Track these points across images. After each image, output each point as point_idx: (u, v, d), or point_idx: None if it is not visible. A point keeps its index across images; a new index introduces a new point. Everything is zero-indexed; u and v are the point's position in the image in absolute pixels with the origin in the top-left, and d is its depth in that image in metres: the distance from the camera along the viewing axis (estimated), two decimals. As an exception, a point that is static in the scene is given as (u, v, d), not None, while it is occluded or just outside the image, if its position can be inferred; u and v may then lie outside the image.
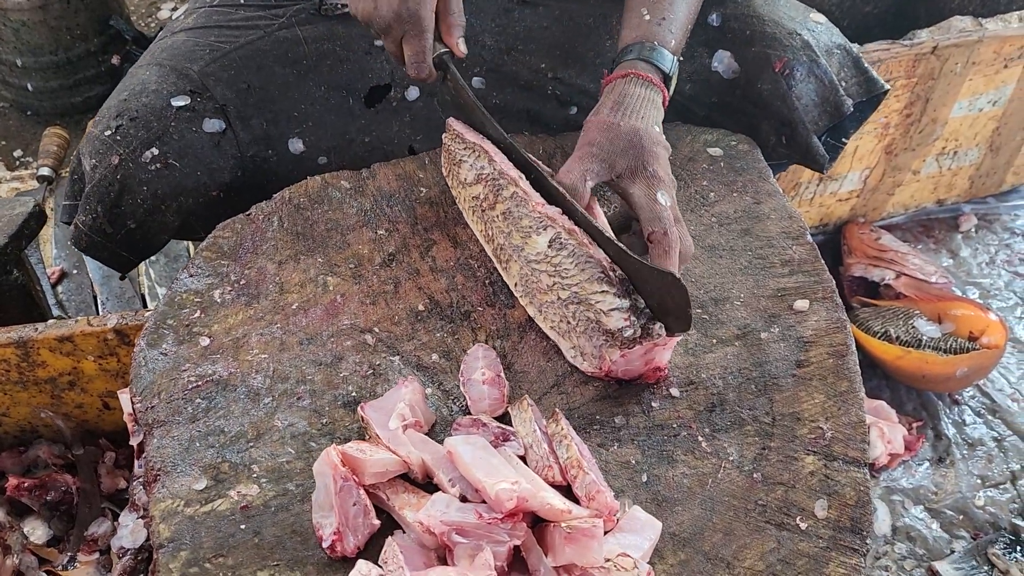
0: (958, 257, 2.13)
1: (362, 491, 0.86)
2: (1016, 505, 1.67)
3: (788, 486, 0.91)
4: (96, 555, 1.30)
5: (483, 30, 1.31)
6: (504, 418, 0.96)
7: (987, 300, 2.02)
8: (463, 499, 0.85)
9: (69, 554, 1.30)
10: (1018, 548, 1.60)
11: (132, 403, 0.99)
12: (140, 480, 1.04)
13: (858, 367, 1.01)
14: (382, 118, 1.32)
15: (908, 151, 1.97)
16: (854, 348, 1.02)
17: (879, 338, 1.80)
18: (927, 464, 1.74)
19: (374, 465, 0.87)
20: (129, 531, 1.09)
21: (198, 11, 1.35)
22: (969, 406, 1.83)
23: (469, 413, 0.97)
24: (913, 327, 1.79)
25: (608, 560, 0.81)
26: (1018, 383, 1.87)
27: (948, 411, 1.82)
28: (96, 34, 2.45)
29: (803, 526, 0.88)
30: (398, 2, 1.04)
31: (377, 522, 0.86)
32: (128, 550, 1.08)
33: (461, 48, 1.10)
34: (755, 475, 0.92)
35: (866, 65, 1.34)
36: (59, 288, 1.98)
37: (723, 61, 1.28)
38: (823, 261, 1.11)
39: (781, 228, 1.15)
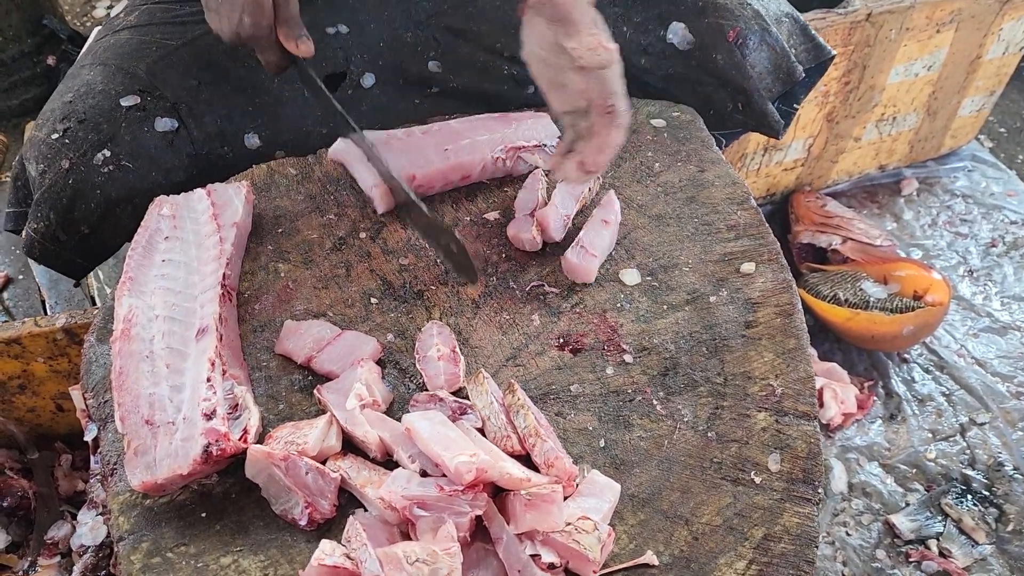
0: (901, 220, 2.18)
1: (306, 459, 0.86)
2: (966, 456, 1.73)
3: (742, 443, 0.93)
4: (57, 558, 1.28)
5: (436, 12, 1.30)
6: (461, 393, 0.97)
7: (930, 260, 2.08)
8: (423, 474, 0.86)
9: (29, 559, 1.28)
10: (969, 497, 1.66)
11: (84, 399, 0.98)
12: (97, 476, 1.02)
13: (805, 325, 1.03)
14: None
15: (849, 118, 2.01)
16: (800, 307, 1.05)
17: (828, 302, 1.84)
18: (879, 422, 1.79)
19: (312, 448, 0.88)
20: (89, 528, 1.08)
21: (140, 8, 1.32)
22: (918, 363, 1.88)
23: (426, 390, 0.97)
24: (860, 289, 1.84)
25: (569, 524, 0.82)
26: (963, 339, 1.92)
27: (898, 369, 1.87)
28: (30, 34, 2.40)
29: (757, 480, 0.91)
30: (236, 22, 1.06)
31: (337, 475, 0.87)
32: (88, 547, 1.06)
33: (302, 50, 1.11)
34: (709, 434, 0.94)
35: (813, 32, 1.37)
36: (4, 294, 1.94)
37: (677, 33, 1.29)
38: (767, 225, 1.13)
39: (725, 194, 1.17)
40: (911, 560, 1.58)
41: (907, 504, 1.66)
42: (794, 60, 1.31)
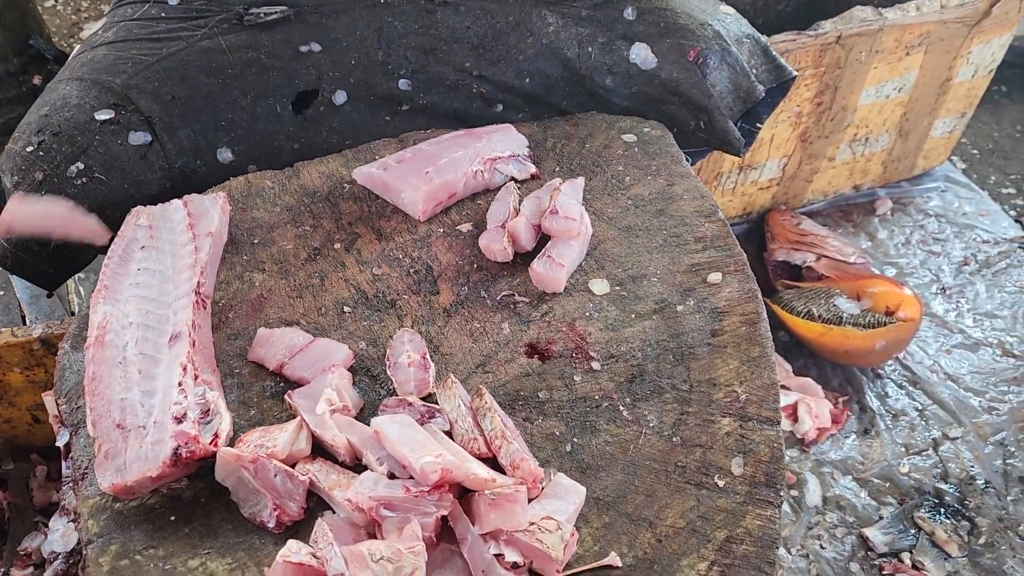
0: (876, 239, 2.22)
1: (275, 461, 0.87)
2: (938, 470, 1.75)
3: (706, 447, 0.95)
4: (30, 569, 1.28)
5: (407, 32, 1.33)
6: (431, 399, 0.98)
7: (904, 278, 2.11)
8: (391, 476, 0.87)
9: (2, 569, 1.28)
10: (942, 510, 1.67)
11: (57, 405, 0.99)
12: (69, 481, 1.03)
13: (769, 333, 1.05)
14: (310, 124, 1.33)
15: (822, 138, 2.05)
16: (765, 316, 1.07)
17: (802, 317, 1.86)
18: (854, 436, 1.81)
19: (281, 451, 0.89)
20: (60, 535, 1.08)
21: (118, 25, 1.34)
22: (891, 379, 1.91)
23: (396, 395, 0.99)
24: (834, 305, 1.86)
25: (533, 524, 0.83)
26: (936, 355, 1.95)
27: (871, 385, 1.90)
28: (16, 54, 2.41)
29: (721, 484, 0.92)
30: None
31: (305, 478, 0.88)
32: (59, 554, 1.06)
33: None
34: (674, 439, 0.96)
35: (774, 53, 1.40)
36: (-16, 309, 1.95)
37: (640, 53, 1.32)
38: (734, 237, 1.16)
39: (694, 207, 1.19)
40: (885, 573, 1.59)
41: (881, 517, 1.67)
42: (754, 80, 1.34)
